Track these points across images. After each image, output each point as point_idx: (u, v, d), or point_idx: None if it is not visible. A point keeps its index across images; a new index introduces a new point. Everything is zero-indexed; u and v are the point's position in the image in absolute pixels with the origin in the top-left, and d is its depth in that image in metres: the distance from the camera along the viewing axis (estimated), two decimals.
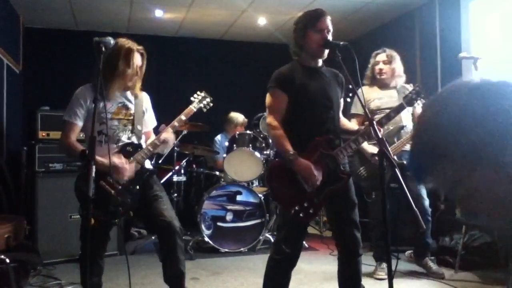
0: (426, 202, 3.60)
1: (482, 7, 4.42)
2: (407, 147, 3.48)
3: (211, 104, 2.83)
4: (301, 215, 2.39)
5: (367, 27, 6.02)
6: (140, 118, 2.68)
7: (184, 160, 5.03)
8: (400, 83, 3.68)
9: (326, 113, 2.48)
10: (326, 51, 2.47)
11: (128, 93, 2.67)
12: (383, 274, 3.58)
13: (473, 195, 0.83)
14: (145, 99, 2.76)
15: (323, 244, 4.84)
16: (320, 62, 2.56)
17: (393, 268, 1.97)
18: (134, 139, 2.64)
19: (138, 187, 2.58)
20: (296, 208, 2.38)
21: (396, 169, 1.85)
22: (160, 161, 5.00)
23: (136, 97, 2.69)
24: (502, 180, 0.80)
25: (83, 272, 2.52)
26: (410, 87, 3.73)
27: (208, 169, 5.38)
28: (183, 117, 2.69)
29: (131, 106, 2.66)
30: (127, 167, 2.52)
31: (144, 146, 2.66)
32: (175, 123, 2.69)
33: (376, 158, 2.04)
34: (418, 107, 3.73)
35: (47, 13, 5.44)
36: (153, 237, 4.65)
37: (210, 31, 6.28)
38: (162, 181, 4.51)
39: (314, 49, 2.46)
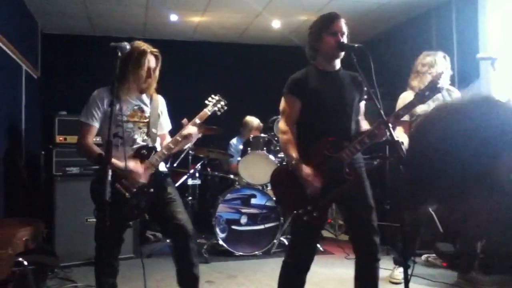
0: None
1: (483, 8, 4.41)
2: None
3: (226, 108, 2.83)
4: (305, 218, 2.37)
5: (383, 27, 5.97)
6: (155, 121, 2.69)
7: (199, 164, 5.05)
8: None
9: (339, 117, 2.46)
10: (342, 53, 2.46)
11: (144, 96, 2.69)
12: (399, 277, 3.54)
13: (469, 219, 0.82)
14: (161, 102, 2.78)
15: (338, 248, 4.80)
16: (337, 65, 2.53)
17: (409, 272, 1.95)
18: (149, 142, 2.66)
19: (152, 189, 2.59)
20: (300, 211, 2.37)
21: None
22: (175, 165, 5.02)
23: (151, 99, 2.71)
24: (496, 200, 0.78)
25: (98, 273, 2.55)
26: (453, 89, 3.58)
27: (223, 172, 5.38)
28: (197, 120, 2.70)
29: (147, 109, 2.68)
30: (142, 171, 2.55)
31: (159, 148, 2.67)
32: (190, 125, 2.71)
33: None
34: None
35: (64, 19, 5.54)
36: (168, 240, 4.67)
37: (225, 34, 6.31)
38: (176, 185, 4.53)
39: (329, 52, 2.46)
